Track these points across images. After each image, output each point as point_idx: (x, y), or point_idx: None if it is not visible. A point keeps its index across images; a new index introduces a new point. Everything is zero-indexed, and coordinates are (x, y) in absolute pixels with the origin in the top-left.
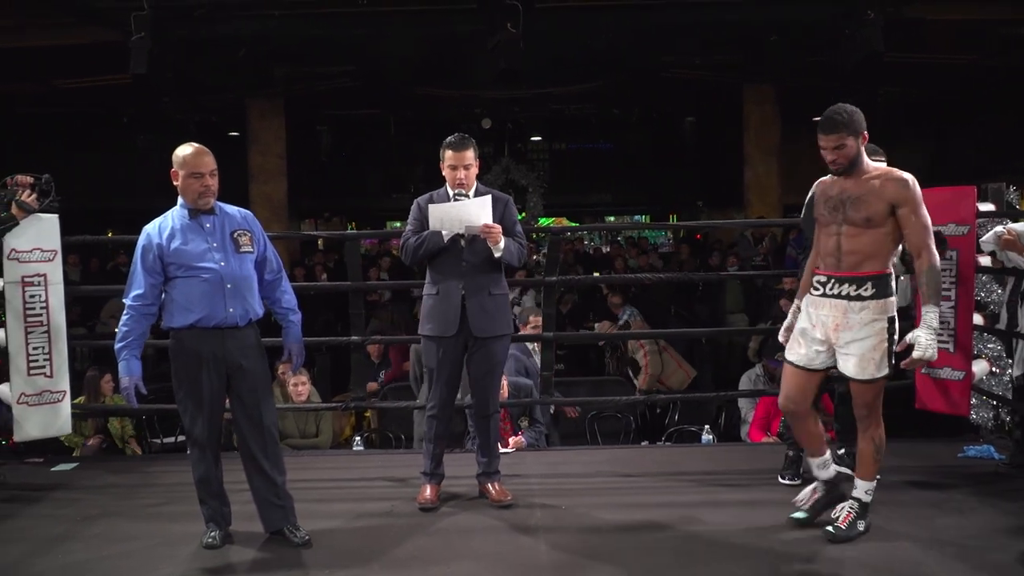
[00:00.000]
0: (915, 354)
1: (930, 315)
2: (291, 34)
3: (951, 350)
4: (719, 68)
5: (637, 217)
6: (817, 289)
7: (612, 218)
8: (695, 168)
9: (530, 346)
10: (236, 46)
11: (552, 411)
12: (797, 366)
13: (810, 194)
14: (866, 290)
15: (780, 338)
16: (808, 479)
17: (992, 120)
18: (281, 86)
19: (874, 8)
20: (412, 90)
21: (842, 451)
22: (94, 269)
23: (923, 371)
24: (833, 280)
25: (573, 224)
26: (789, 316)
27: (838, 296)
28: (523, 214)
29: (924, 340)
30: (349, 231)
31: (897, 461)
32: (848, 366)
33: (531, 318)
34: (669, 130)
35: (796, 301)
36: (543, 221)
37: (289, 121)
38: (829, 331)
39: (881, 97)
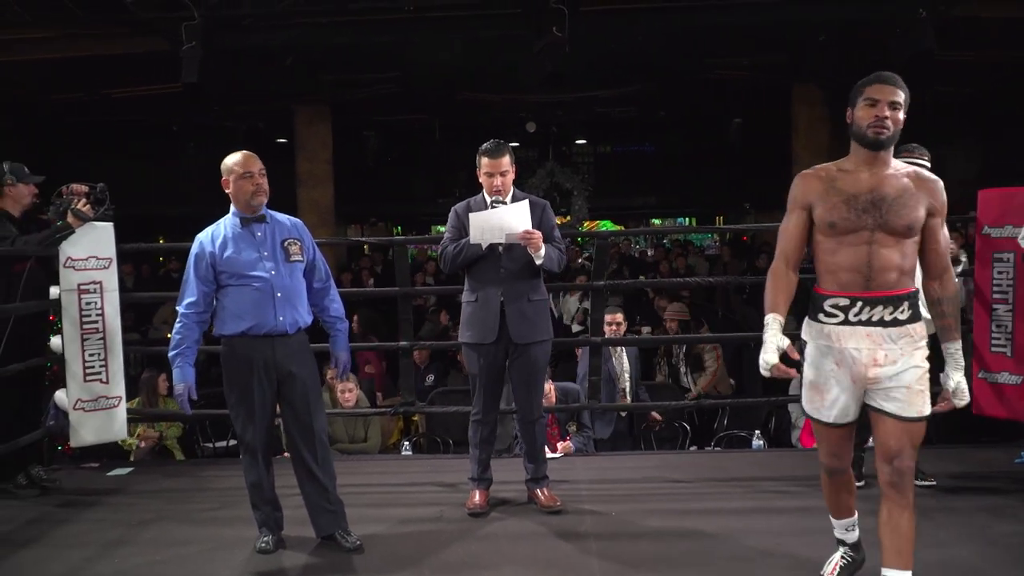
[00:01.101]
0: (957, 403)
1: (960, 352)
2: (337, 42)
3: (1008, 354)
4: (766, 69)
5: (681, 220)
6: (834, 316)
7: (657, 221)
8: (741, 170)
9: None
10: (283, 54)
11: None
12: (834, 425)
13: (797, 191)
14: (903, 312)
15: (765, 371)
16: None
17: None
18: (327, 93)
19: (925, 6)
20: (456, 95)
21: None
22: (146, 275)
23: (980, 375)
24: (861, 303)
25: (615, 228)
26: (771, 346)
27: (870, 323)
28: (568, 217)
29: (964, 385)
30: (396, 236)
31: (952, 467)
32: (891, 403)
33: (606, 316)
34: (715, 132)
35: (772, 338)
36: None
37: (336, 127)
38: (862, 367)
39: (931, 96)
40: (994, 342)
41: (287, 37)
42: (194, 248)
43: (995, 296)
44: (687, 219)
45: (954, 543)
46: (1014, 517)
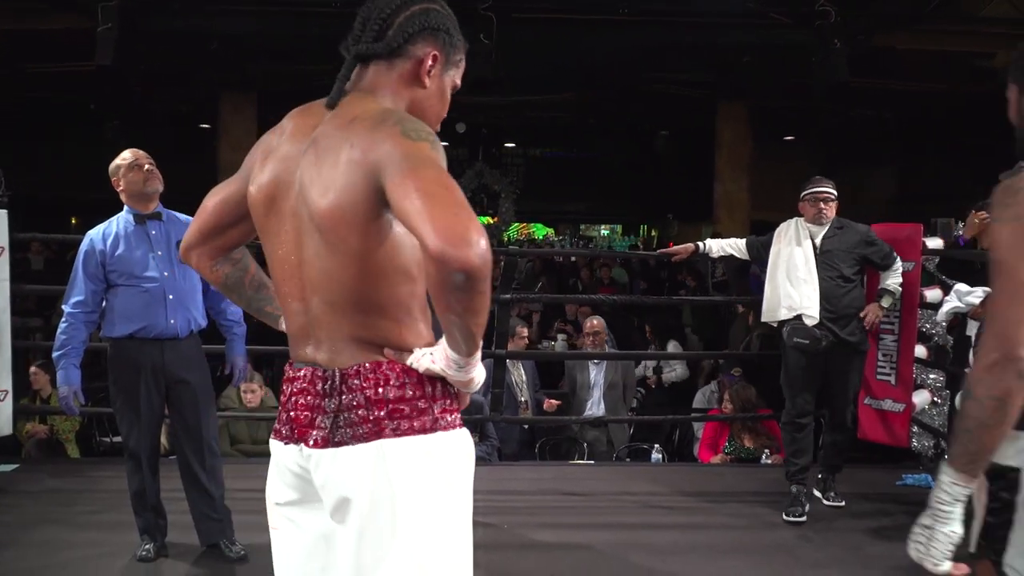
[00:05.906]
0: None
1: None
2: (265, 31)
3: (893, 383)
4: (694, 85)
5: (614, 226)
6: None
7: (592, 230)
8: (667, 181)
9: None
10: (209, 40)
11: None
12: None
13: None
14: None
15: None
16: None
17: (963, 144)
18: (255, 82)
19: (841, 37)
20: None
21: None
22: (53, 257)
23: (866, 401)
24: None
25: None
26: (942, 543)
27: None
28: (495, 219)
29: None
30: None
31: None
32: None
33: (518, 329)
34: (643, 142)
35: (949, 525)
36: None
37: (262, 116)
38: None
39: (855, 118)
40: (879, 371)
41: (213, 24)
42: (83, 245)
43: (882, 327)
44: (616, 226)
45: (830, 564)
46: (889, 539)
